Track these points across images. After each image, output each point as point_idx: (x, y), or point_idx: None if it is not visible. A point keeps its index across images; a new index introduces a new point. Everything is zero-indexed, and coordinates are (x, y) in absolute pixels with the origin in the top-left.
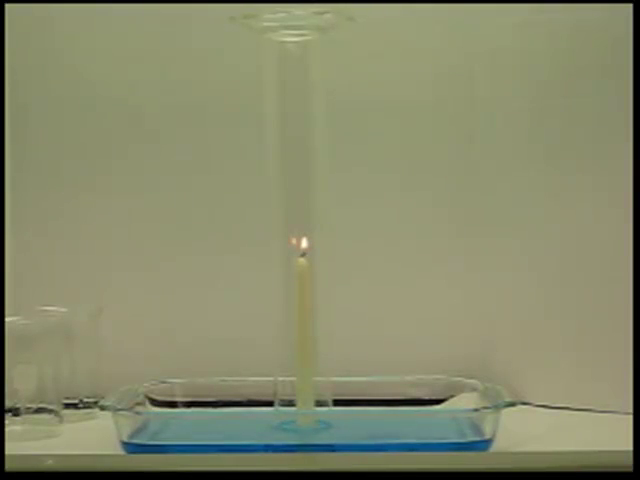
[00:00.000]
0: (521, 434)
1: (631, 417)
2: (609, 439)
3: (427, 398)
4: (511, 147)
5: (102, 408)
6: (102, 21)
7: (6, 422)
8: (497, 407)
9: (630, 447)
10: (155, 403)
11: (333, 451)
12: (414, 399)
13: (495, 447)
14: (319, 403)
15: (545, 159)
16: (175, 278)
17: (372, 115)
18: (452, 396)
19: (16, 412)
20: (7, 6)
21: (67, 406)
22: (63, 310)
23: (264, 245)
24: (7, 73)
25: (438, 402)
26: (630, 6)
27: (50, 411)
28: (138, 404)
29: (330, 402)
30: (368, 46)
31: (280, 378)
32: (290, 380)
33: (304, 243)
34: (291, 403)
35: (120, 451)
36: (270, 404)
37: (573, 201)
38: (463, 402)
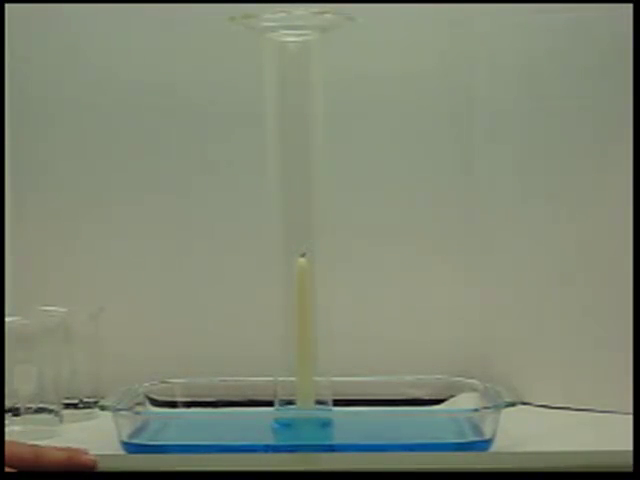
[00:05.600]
0: (521, 434)
1: (631, 417)
2: (609, 439)
3: (427, 398)
4: (511, 147)
5: (102, 408)
6: (102, 21)
7: (6, 422)
8: (497, 407)
9: (630, 447)
10: (155, 403)
11: (333, 451)
12: (414, 399)
13: (495, 447)
14: (319, 403)
15: (545, 159)
16: (175, 278)
17: (372, 115)
18: (452, 396)
19: (16, 412)
20: (7, 6)
21: (67, 406)
22: (63, 310)
23: (264, 245)
24: (7, 73)
25: (438, 402)
26: (630, 6)
27: (50, 411)
28: (138, 404)
29: (330, 402)
30: (368, 46)
31: (280, 378)
32: (290, 380)
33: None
34: (291, 403)
35: (120, 451)
36: (270, 404)
37: (573, 201)
38: (463, 402)
